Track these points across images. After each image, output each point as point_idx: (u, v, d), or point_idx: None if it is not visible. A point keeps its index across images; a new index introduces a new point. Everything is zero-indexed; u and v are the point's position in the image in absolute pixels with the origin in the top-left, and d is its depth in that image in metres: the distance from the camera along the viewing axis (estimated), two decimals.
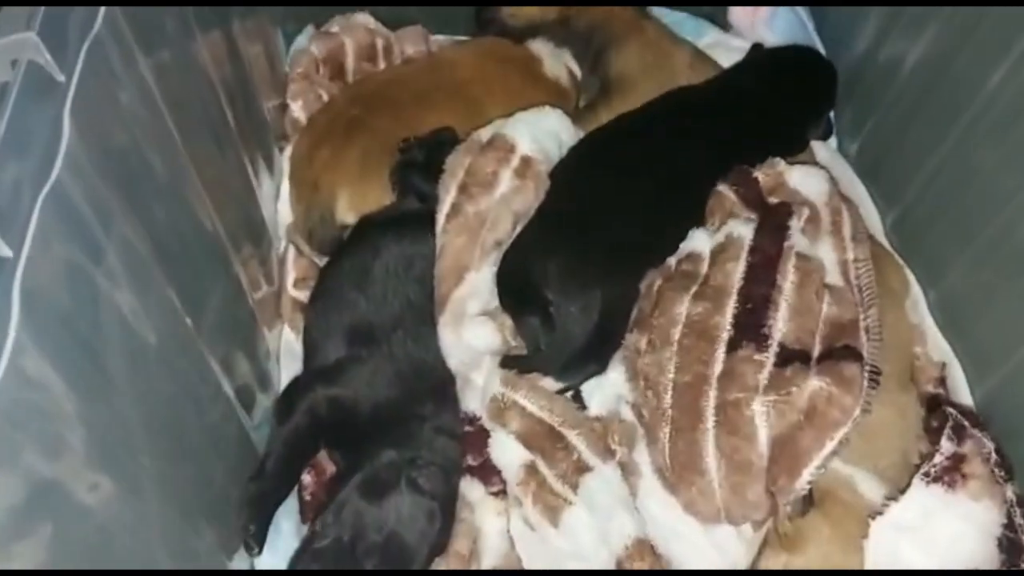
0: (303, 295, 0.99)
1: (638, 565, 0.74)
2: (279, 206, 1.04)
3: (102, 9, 0.57)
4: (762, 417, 0.72)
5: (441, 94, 1.04)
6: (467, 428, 0.87)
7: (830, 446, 0.71)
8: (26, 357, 0.44)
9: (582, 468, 0.80)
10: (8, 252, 0.44)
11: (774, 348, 0.75)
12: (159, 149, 0.66)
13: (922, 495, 0.69)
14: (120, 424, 0.55)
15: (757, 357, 0.74)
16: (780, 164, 0.91)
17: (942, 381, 0.88)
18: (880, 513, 0.69)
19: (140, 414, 0.58)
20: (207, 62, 0.81)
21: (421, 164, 0.96)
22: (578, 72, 1.13)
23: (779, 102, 1.02)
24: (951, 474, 0.71)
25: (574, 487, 0.79)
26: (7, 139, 0.46)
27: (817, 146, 1.09)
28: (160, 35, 0.69)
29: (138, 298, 0.58)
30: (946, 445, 0.70)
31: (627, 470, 0.82)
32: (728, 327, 0.77)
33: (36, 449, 0.46)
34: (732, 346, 0.76)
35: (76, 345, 0.50)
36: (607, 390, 0.85)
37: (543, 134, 0.93)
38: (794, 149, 1.02)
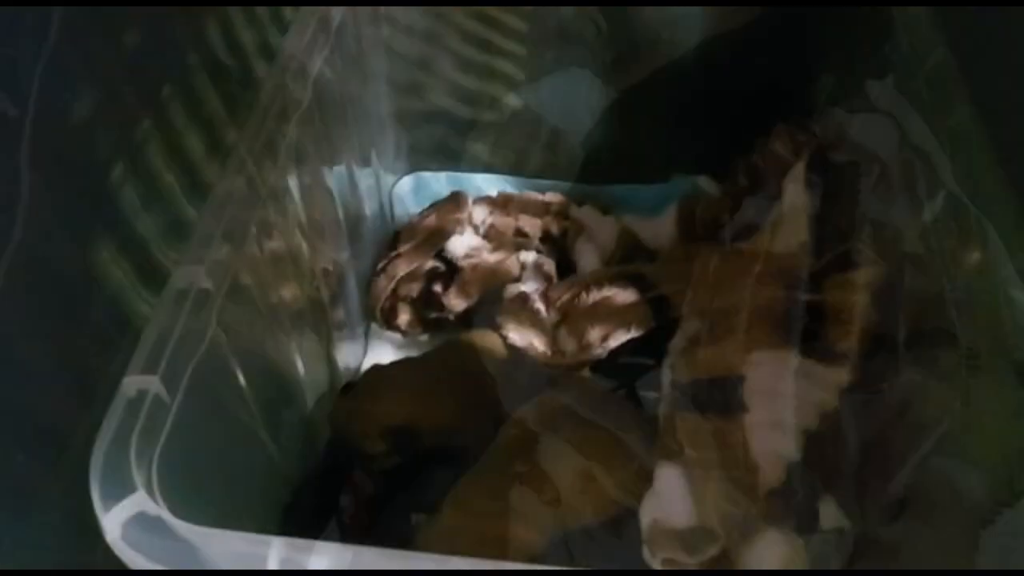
0: None
1: None
2: None
3: None
4: (848, 419, 0.64)
5: None
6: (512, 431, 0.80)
7: (927, 445, 0.63)
8: None
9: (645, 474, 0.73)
10: None
11: (856, 335, 0.66)
12: None
13: None
14: None
15: (839, 347, 0.66)
16: (839, 114, 0.81)
17: None
18: (991, 521, 0.61)
19: None
20: None
21: None
22: None
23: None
24: None
25: (637, 496, 0.72)
26: None
27: (870, 83, 0.98)
28: None
29: None
30: None
31: (692, 466, 0.74)
32: (801, 313, 0.68)
33: None
34: (807, 336, 0.67)
35: None
36: (664, 384, 0.77)
37: None
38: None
